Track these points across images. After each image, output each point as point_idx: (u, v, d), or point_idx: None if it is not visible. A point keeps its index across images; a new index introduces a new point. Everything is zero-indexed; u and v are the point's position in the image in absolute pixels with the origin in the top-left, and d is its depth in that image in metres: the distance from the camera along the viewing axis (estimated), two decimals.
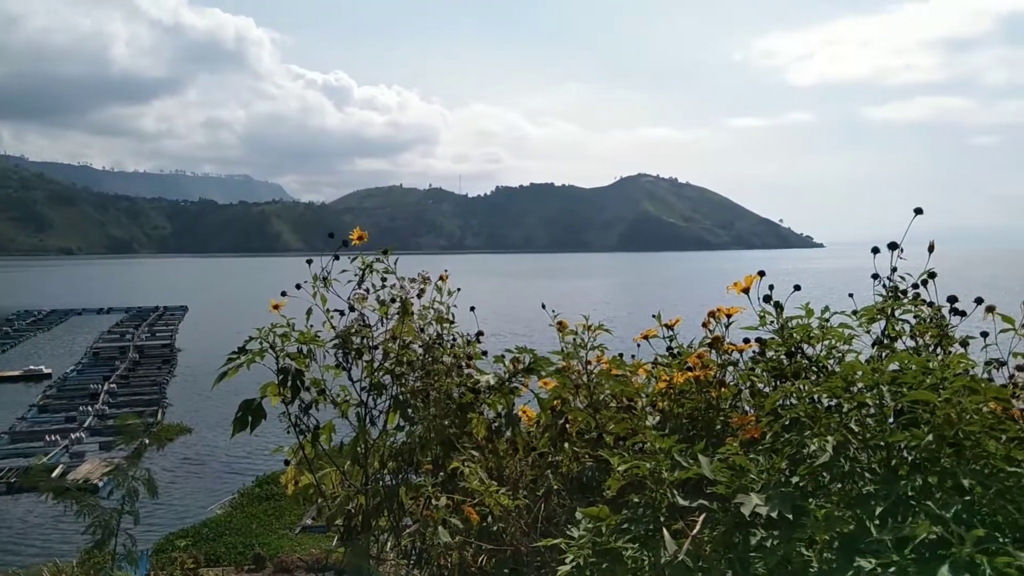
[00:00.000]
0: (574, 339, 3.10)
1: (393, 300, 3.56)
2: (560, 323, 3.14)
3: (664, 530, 2.08)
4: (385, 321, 3.54)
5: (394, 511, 3.42)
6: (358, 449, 3.45)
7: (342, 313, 3.45)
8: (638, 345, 3.27)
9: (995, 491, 1.94)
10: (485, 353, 3.52)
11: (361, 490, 3.33)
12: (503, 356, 3.31)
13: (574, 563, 2.06)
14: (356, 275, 3.51)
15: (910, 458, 1.99)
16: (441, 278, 3.77)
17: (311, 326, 3.47)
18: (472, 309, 3.65)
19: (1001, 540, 1.87)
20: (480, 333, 3.53)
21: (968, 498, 1.95)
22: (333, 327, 3.36)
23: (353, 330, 3.32)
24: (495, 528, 2.63)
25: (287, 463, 3.49)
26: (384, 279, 3.58)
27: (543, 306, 3.25)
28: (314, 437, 3.50)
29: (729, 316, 2.86)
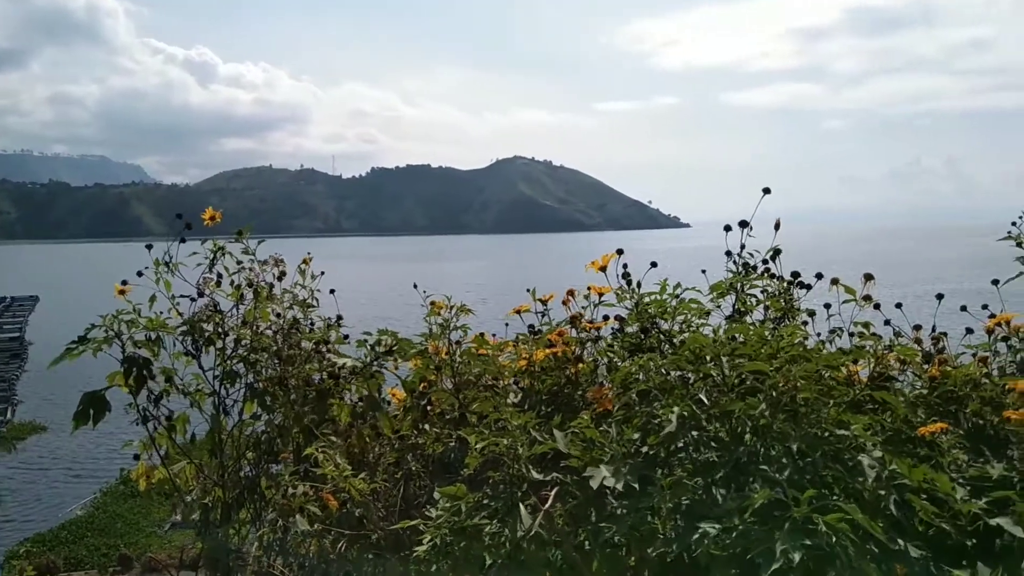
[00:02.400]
0: (439, 319, 3.08)
1: (250, 284, 3.42)
2: (433, 303, 3.11)
3: (520, 505, 2.10)
4: (241, 307, 3.39)
5: (255, 502, 3.30)
6: (215, 440, 3.30)
7: (192, 299, 3.29)
8: (506, 324, 3.28)
9: (825, 453, 2.06)
10: (346, 337, 3.44)
11: (218, 483, 3.19)
12: (364, 340, 3.24)
13: (431, 543, 2.05)
14: (207, 259, 3.34)
15: (750, 425, 2.08)
16: (304, 261, 3.65)
17: (160, 312, 3.29)
18: (332, 292, 3.55)
19: (834, 497, 2.00)
20: (339, 317, 3.45)
21: (801, 461, 2.07)
22: (179, 313, 3.19)
23: (204, 316, 3.17)
24: (356, 514, 2.58)
25: (137, 458, 3.30)
26: (240, 263, 3.43)
27: (415, 286, 3.20)
28: (168, 429, 3.33)
29: (601, 295, 2.89)
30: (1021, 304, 2.82)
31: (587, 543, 2.09)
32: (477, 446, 2.19)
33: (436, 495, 2.21)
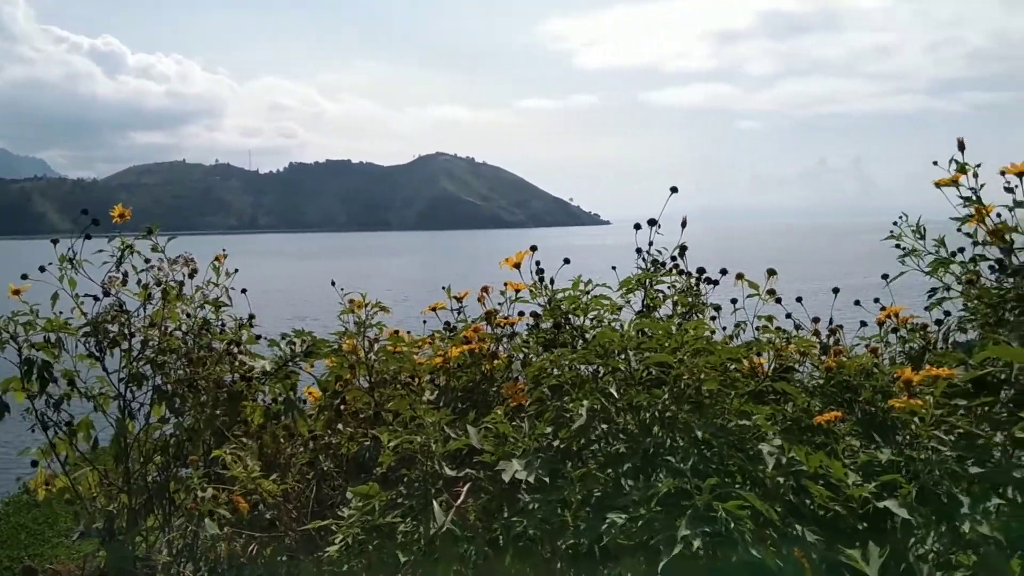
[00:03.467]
0: (355, 317, 3.05)
1: (158, 283, 3.32)
2: (352, 301, 3.07)
3: (434, 502, 2.11)
4: (148, 307, 3.29)
5: (163, 508, 3.21)
6: (120, 445, 3.19)
7: (96, 299, 3.17)
8: (424, 322, 3.28)
9: (729, 442, 2.14)
10: (260, 337, 3.37)
11: (123, 489, 3.09)
12: (277, 341, 3.18)
13: (343, 543, 2.04)
14: (113, 256, 3.23)
15: (657, 417, 2.14)
16: (217, 259, 3.56)
17: (60, 312, 3.16)
18: (244, 291, 3.47)
19: (736, 485, 2.08)
20: (252, 316, 3.38)
21: (707, 450, 2.14)
22: (84, 313, 3.07)
23: (108, 316, 3.06)
24: (268, 516, 2.54)
25: (35, 464, 3.17)
26: (148, 260, 3.32)
27: (333, 283, 3.16)
28: (70, 435, 3.20)
29: (517, 291, 2.91)
30: (911, 297, 2.99)
31: (500, 538, 2.12)
32: (390, 444, 2.19)
33: (348, 495, 2.20)
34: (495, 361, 2.72)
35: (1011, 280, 2.37)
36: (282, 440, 3.11)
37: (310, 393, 3.28)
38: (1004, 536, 2.07)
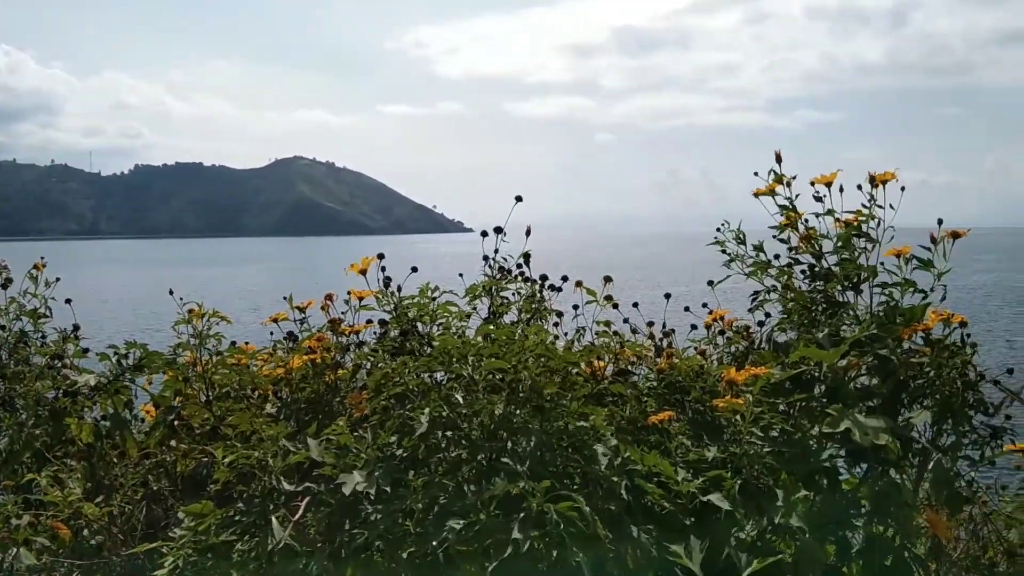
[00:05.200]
0: (191, 328, 2.91)
1: None
2: (190, 311, 2.92)
3: (273, 518, 2.06)
4: None
5: None
6: None
7: None
8: (271, 333, 3.17)
9: (568, 444, 2.21)
10: (87, 351, 3.15)
11: None
12: (107, 354, 2.98)
13: (173, 565, 1.95)
14: None
15: (498, 422, 2.18)
16: (35, 267, 3.31)
17: None
18: (68, 301, 3.24)
19: (575, 487, 2.14)
20: (76, 327, 3.16)
21: (548, 453, 2.20)
22: None
23: None
24: (92, 541, 2.38)
25: None
26: None
27: (171, 293, 2.99)
28: None
29: (360, 298, 2.88)
30: (741, 300, 3.18)
31: (342, 550, 2.08)
32: (225, 460, 2.11)
33: (180, 514, 2.10)
34: (339, 371, 2.68)
35: (821, 284, 2.57)
36: (115, 460, 2.92)
37: (147, 411, 3.11)
38: (816, 523, 2.25)
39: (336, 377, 2.67)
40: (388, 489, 1.99)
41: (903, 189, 2.42)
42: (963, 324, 2.30)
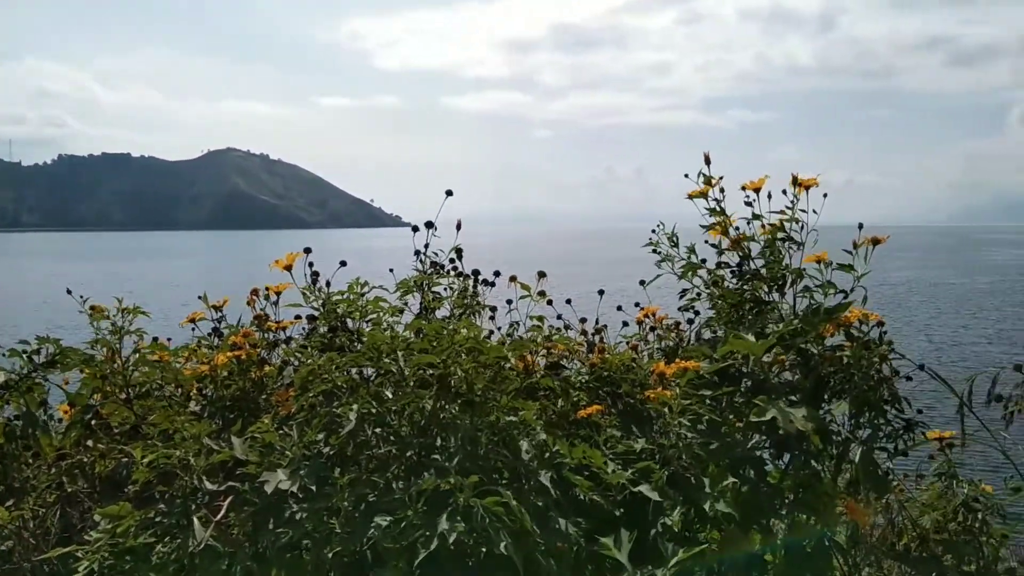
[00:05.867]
0: (110, 323, 2.81)
1: None
2: (94, 308, 2.82)
3: (195, 518, 2.00)
4: None
5: None
6: None
7: None
8: (193, 329, 3.08)
9: (498, 439, 2.20)
10: None
11: None
12: (16, 350, 2.85)
13: (88, 569, 1.87)
14: None
15: (427, 416, 2.16)
16: None
17: None
18: None
19: (504, 481, 2.14)
20: None
21: (480, 448, 2.19)
22: None
23: None
24: (1, 547, 2.28)
25: None
26: None
27: (68, 292, 2.87)
28: None
29: (278, 293, 2.83)
30: (671, 297, 3.23)
31: (267, 551, 2.04)
32: (144, 460, 2.04)
33: (96, 516, 2.02)
34: (266, 368, 2.62)
35: (748, 284, 2.63)
36: (28, 461, 2.80)
37: (64, 410, 2.98)
38: (742, 512, 2.30)
39: (262, 374, 2.61)
40: (313, 487, 1.95)
41: (825, 196, 2.49)
42: (880, 323, 2.38)
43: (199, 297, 2.85)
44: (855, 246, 2.39)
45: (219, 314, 2.79)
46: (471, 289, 2.98)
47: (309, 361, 2.21)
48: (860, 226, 2.47)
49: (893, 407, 2.35)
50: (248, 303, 2.75)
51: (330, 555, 1.88)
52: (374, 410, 2.17)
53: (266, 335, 2.72)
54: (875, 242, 2.37)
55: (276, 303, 2.83)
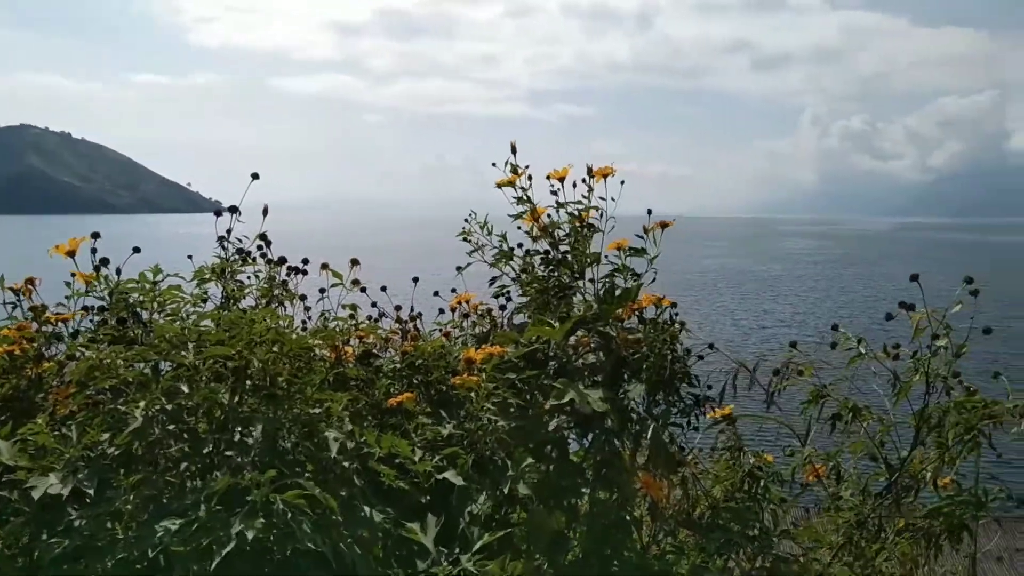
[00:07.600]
0: None
1: None
2: None
3: None
4: None
5: None
6: None
7: None
8: None
9: (301, 432, 2.14)
10: None
11: None
12: None
13: None
14: None
15: (224, 413, 2.06)
16: None
17: None
18: None
19: (307, 475, 2.07)
20: None
21: (282, 442, 2.11)
22: None
23: None
24: None
25: None
26: None
27: None
28: None
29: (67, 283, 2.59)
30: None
31: (40, 562, 1.87)
32: None
33: None
34: (43, 364, 2.39)
35: (555, 270, 2.71)
36: None
37: None
38: (544, 492, 2.37)
39: (39, 370, 2.38)
40: (92, 491, 1.80)
41: (623, 182, 2.59)
42: (673, 305, 2.53)
43: None
44: (645, 231, 2.52)
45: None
46: (279, 278, 2.88)
47: (89, 355, 2.04)
48: (649, 212, 2.61)
49: (684, 384, 2.51)
50: (23, 292, 2.50)
51: (110, 564, 1.74)
52: (168, 406, 2.04)
53: (43, 328, 2.48)
54: (663, 226, 2.51)
55: (77, 295, 2.58)
